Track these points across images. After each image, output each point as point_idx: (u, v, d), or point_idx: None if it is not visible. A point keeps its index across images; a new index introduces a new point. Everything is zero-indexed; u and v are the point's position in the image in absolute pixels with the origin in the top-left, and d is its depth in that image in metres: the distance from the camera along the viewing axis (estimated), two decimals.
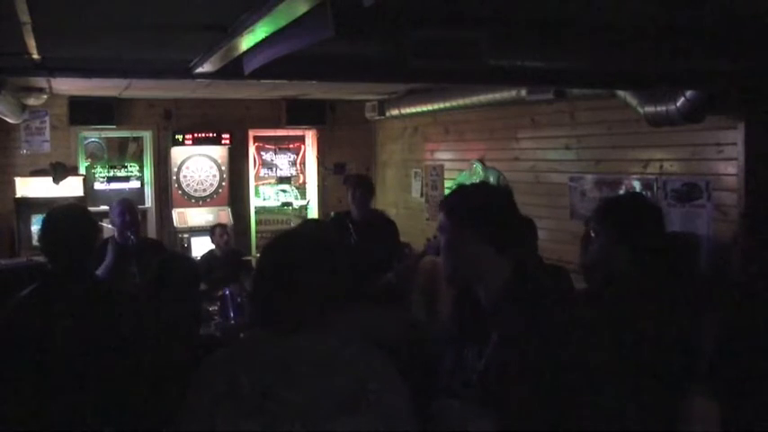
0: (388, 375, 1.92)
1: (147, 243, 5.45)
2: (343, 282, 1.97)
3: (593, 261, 2.69)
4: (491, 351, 2.00)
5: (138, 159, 8.71)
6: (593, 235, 2.71)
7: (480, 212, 2.07)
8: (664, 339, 2.51)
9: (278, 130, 9.16)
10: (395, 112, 8.13)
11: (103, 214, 6.38)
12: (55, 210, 3.11)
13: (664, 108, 4.57)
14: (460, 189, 2.28)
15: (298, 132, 9.32)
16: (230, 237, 7.35)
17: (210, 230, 7.36)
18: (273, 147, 9.32)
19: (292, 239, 2.09)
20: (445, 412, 1.96)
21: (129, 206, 5.06)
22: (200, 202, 8.70)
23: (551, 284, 2.38)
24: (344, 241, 5.32)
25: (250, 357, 1.90)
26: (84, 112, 7.98)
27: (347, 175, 8.16)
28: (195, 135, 8.45)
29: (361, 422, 1.82)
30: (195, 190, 8.70)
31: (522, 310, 1.98)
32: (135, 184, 8.67)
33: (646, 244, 2.56)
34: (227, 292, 5.10)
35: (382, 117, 8.48)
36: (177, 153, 8.59)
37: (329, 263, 1.95)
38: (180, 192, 8.64)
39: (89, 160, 8.50)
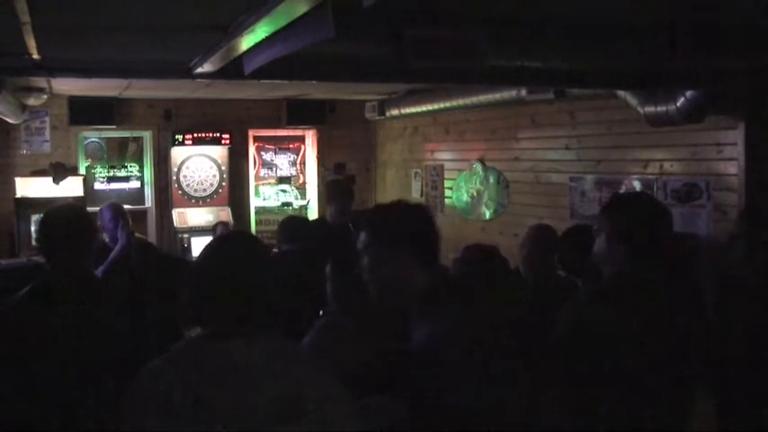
0: (329, 383, 1.88)
1: (139, 243, 5.47)
2: (283, 289, 1.94)
3: (595, 258, 2.70)
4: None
5: (138, 159, 8.71)
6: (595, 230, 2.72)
7: (400, 230, 2.11)
8: (661, 337, 2.51)
9: (278, 130, 9.16)
10: (395, 112, 8.13)
11: None
12: (52, 209, 3.10)
13: (664, 108, 4.57)
14: (378, 208, 2.34)
15: (298, 132, 9.32)
16: None
17: (213, 229, 7.39)
18: (273, 147, 9.32)
19: (234, 243, 2.06)
20: (364, 408, 2.00)
21: (120, 210, 5.11)
22: (200, 203, 8.70)
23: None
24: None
25: (185, 363, 1.86)
26: (84, 112, 7.98)
27: (330, 180, 7.93)
28: (195, 135, 8.45)
29: (298, 431, 1.79)
30: (195, 190, 8.70)
31: (427, 325, 2.02)
32: (135, 184, 8.67)
33: (644, 244, 2.56)
34: None
35: (382, 117, 8.48)
36: (177, 153, 8.59)
37: (270, 269, 1.93)
38: (180, 192, 8.63)
39: (89, 160, 8.49)
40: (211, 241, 2.06)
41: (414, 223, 2.14)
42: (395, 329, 2.59)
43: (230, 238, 2.14)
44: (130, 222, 5.16)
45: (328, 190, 5.93)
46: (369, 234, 2.14)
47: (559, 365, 2.53)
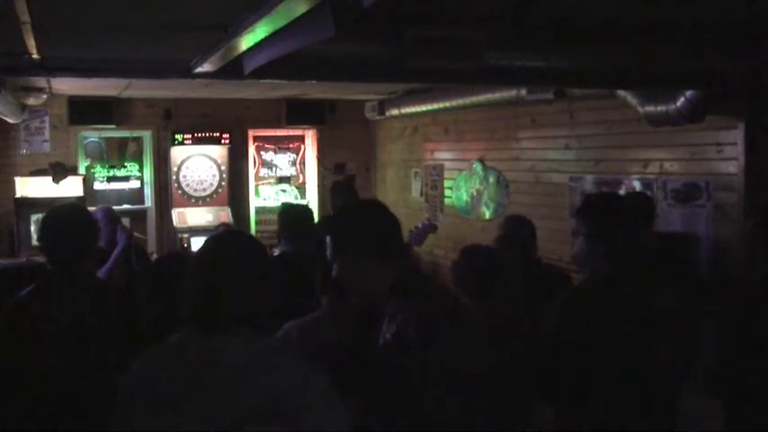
0: (316, 392, 1.85)
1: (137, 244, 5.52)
2: (274, 288, 1.95)
3: (576, 259, 2.74)
4: None
5: (138, 159, 8.71)
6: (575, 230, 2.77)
7: (355, 234, 2.24)
8: (638, 338, 2.53)
9: (278, 130, 9.16)
10: (395, 112, 8.12)
11: None
12: (54, 209, 3.10)
13: (664, 108, 4.57)
14: (338, 214, 2.56)
15: (298, 132, 9.31)
16: None
17: (216, 231, 7.38)
18: (273, 146, 9.31)
19: (227, 241, 2.07)
20: None
21: (114, 213, 5.20)
22: (200, 202, 8.70)
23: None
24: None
25: (173, 356, 1.88)
26: (84, 112, 7.98)
27: (337, 182, 7.86)
28: (195, 135, 8.45)
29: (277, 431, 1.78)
30: (195, 190, 8.70)
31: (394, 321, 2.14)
32: (135, 183, 8.67)
33: (619, 244, 2.58)
34: None
35: (382, 117, 8.48)
36: (177, 153, 8.59)
37: (261, 268, 1.94)
38: (180, 192, 8.63)
39: (89, 160, 8.49)
40: (207, 239, 2.07)
41: (368, 226, 2.26)
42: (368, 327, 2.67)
43: (223, 237, 2.15)
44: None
45: (335, 190, 5.98)
46: (330, 241, 2.28)
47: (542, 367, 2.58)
